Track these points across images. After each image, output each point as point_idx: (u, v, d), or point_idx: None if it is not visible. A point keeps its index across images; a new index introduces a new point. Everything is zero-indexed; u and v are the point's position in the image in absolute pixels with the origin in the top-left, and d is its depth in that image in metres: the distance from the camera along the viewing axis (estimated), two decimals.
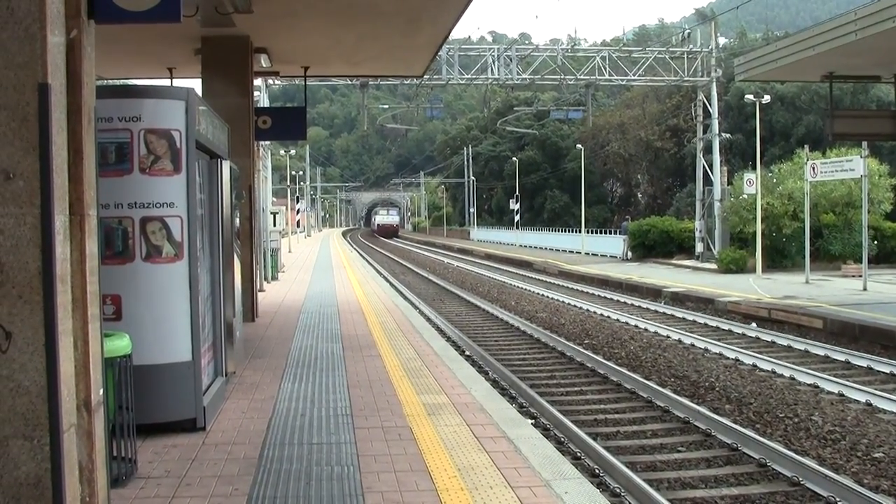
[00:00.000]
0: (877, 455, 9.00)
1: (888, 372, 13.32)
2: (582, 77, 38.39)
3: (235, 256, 10.01)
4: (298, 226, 69.30)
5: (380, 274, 33.75)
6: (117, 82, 18.55)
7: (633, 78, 39.08)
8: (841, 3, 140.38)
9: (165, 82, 17.00)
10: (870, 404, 11.18)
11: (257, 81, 24.63)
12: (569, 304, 23.87)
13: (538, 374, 13.80)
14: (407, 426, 7.63)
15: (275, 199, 46.57)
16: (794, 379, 12.92)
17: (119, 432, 5.96)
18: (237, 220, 10.74)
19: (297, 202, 65.64)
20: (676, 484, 8.22)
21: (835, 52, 16.83)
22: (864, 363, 13.99)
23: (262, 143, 24.98)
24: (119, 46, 14.58)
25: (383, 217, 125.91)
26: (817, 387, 12.31)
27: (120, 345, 5.97)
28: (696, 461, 8.94)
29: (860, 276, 24.11)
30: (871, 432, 9.88)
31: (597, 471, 8.31)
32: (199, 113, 7.43)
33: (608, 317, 20.80)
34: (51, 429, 4.09)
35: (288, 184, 74.92)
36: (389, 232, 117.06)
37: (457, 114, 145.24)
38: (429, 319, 19.32)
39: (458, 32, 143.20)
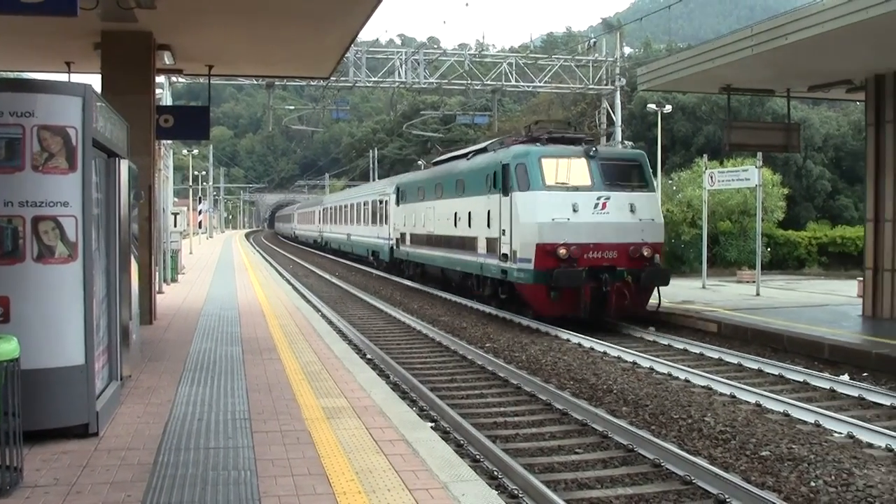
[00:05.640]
0: (763, 453, 9.30)
1: (777, 374, 13.82)
2: (489, 82, 38.74)
3: (133, 257, 9.81)
4: (200, 227, 68.11)
5: (282, 276, 33.34)
6: (10, 75, 17.97)
7: (539, 84, 39.61)
8: (741, 19, 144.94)
9: (63, 77, 16.53)
10: (759, 405, 11.57)
11: (160, 79, 24.18)
12: (470, 307, 24.00)
13: (439, 377, 13.86)
14: (305, 430, 7.58)
15: (176, 200, 45.77)
16: (688, 381, 13.27)
17: (4, 440, 5.77)
18: (135, 221, 10.52)
19: (200, 203, 64.50)
20: (573, 485, 8.35)
21: (732, 66, 17.35)
22: (755, 365, 14.46)
23: (163, 142, 24.56)
24: (13, 38, 14.15)
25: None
26: (710, 389, 12.68)
27: (7, 348, 5.79)
28: (593, 462, 9.10)
29: (754, 281, 24.90)
30: (759, 432, 10.21)
31: (495, 473, 8.38)
32: (96, 110, 7.26)
33: (509, 320, 20.97)
34: None
35: (190, 184, 73.69)
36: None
37: (363, 116, 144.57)
38: (331, 323, 19.20)
39: (366, 34, 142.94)
